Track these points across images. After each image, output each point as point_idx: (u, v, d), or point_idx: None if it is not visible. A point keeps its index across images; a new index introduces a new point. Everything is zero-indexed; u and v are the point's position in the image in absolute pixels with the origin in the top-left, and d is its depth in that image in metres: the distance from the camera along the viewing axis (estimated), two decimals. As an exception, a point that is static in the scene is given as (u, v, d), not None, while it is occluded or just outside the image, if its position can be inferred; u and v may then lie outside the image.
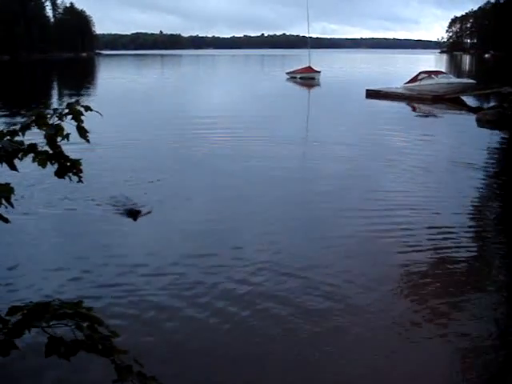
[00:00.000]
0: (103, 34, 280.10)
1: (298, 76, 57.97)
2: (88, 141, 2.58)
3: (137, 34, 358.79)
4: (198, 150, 18.99)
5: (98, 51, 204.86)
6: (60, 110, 2.49)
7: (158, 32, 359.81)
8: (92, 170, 13.44)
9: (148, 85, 55.40)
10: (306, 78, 56.63)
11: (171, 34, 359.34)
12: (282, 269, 8.79)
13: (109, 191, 13.02)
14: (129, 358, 2.17)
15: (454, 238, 10.46)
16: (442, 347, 6.63)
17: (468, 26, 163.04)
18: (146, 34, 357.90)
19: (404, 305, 7.75)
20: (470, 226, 11.51)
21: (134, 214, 11.22)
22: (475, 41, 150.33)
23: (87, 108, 2.54)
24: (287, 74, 60.72)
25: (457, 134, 24.03)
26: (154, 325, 7.00)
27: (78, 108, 2.51)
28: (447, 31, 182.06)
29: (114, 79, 66.00)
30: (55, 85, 61.76)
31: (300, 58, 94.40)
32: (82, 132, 2.56)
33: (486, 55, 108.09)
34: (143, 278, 8.37)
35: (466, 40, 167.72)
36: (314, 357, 6.37)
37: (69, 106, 2.49)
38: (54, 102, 37.49)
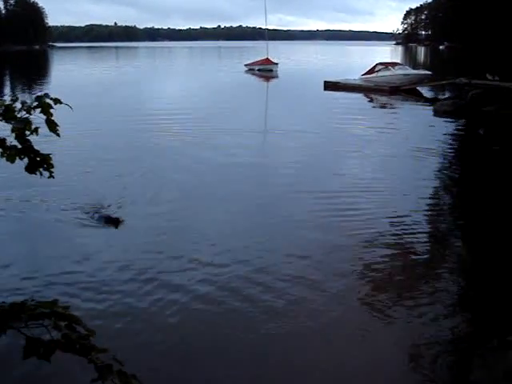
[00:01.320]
0: (56, 26, 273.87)
1: (256, 68, 57.87)
2: (58, 134, 2.49)
3: (91, 25, 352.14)
4: (159, 142, 18.87)
5: (51, 44, 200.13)
6: (29, 103, 2.40)
7: (112, 24, 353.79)
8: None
9: (103, 78, 54.52)
10: (264, 70, 56.56)
11: (126, 26, 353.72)
12: (240, 256, 8.87)
13: (75, 189, 12.58)
14: (107, 357, 2.12)
15: (410, 222, 10.71)
16: (394, 331, 6.76)
17: (423, 17, 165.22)
18: (100, 25, 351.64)
19: (358, 290, 7.86)
20: (426, 210, 11.85)
21: (113, 221, 10.41)
22: (430, 32, 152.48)
23: (57, 101, 2.46)
24: (245, 65, 60.50)
25: (415, 123, 24.37)
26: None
27: (47, 101, 2.42)
28: (402, 23, 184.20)
29: (67, 72, 64.75)
30: (6, 78, 60.15)
31: (257, 50, 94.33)
32: (52, 126, 2.48)
33: (441, 47, 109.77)
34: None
35: (420, 32, 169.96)
36: (261, 342, 6.41)
37: (38, 98, 2.41)
38: (6, 97, 36.54)
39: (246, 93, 38.64)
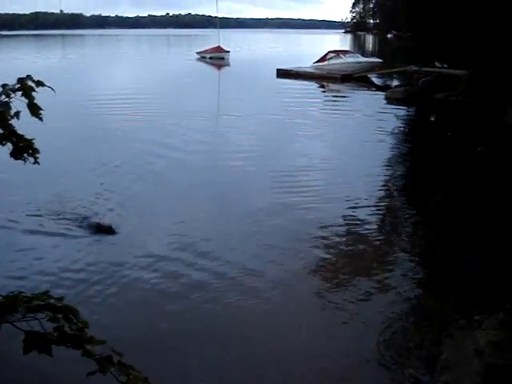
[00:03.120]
0: (0, 14, 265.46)
1: (208, 56, 57.42)
2: (41, 119, 2.37)
3: (36, 13, 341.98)
4: (113, 130, 18.77)
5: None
6: (10, 86, 2.28)
7: (58, 11, 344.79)
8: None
9: (50, 66, 53.17)
10: (216, 58, 56.20)
11: (72, 14, 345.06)
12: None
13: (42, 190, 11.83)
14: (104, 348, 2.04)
15: (363, 204, 10.98)
16: (357, 314, 6.86)
17: (371, 6, 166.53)
18: (45, 13, 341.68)
19: (311, 275, 7.97)
20: (378, 191, 12.19)
21: (106, 229, 9.45)
22: (378, 21, 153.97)
23: (39, 83, 2.34)
24: (197, 53, 59.97)
25: (368, 110, 24.59)
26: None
27: (30, 83, 2.31)
28: (351, 11, 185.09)
29: (12, 60, 62.85)
30: None
31: (208, 38, 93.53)
32: (35, 109, 2.36)
33: (389, 35, 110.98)
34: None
35: (369, 20, 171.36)
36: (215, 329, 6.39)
37: (20, 81, 2.29)
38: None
39: (199, 80, 38.39)
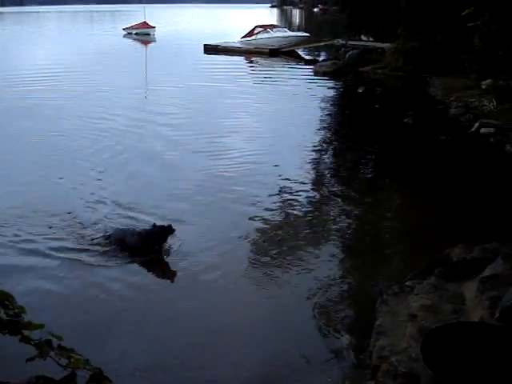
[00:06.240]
0: None
1: (134, 32, 56.22)
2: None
3: None
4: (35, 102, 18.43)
5: None
6: None
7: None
8: None
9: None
10: (142, 34, 55.11)
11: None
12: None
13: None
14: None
15: (295, 179, 11.07)
16: (290, 287, 6.96)
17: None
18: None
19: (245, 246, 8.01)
20: (309, 164, 12.34)
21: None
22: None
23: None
24: (124, 29, 58.58)
25: (297, 83, 24.69)
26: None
27: None
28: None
29: None
30: None
31: (132, 14, 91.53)
32: None
33: (315, 9, 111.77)
34: None
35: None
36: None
37: None
38: None
39: (125, 56, 37.67)
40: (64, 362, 1.89)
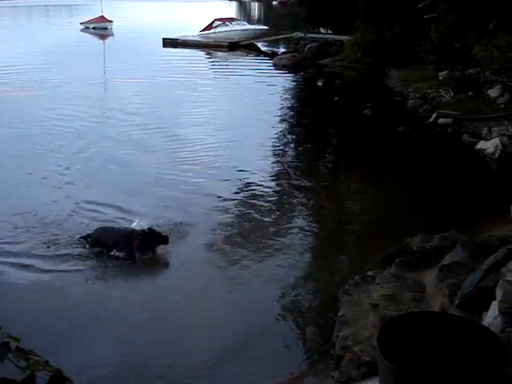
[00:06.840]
0: None
1: (91, 26, 55.31)
2: None
3: None
4: None
5: None
6: None
7: None
8: None
9: None
10: (99, 28, 54.23)
11: None
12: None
13: None
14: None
15: (256, 171, 11.12)
16: (255, 279, 6.95)
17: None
18: None
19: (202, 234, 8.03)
20: (270, 157, 12.46)
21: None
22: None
23: None
24: (81, 24, 57.53)
25: (257, 76, 24.66)
26: None
27: None
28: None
29: None
30: None
31: (88, 8, 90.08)
32: None
33: (274, 2, 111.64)
34: None
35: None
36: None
37: None
38: None
39: (83, 50, 36.96)
40: (23, 363, 1.85)
